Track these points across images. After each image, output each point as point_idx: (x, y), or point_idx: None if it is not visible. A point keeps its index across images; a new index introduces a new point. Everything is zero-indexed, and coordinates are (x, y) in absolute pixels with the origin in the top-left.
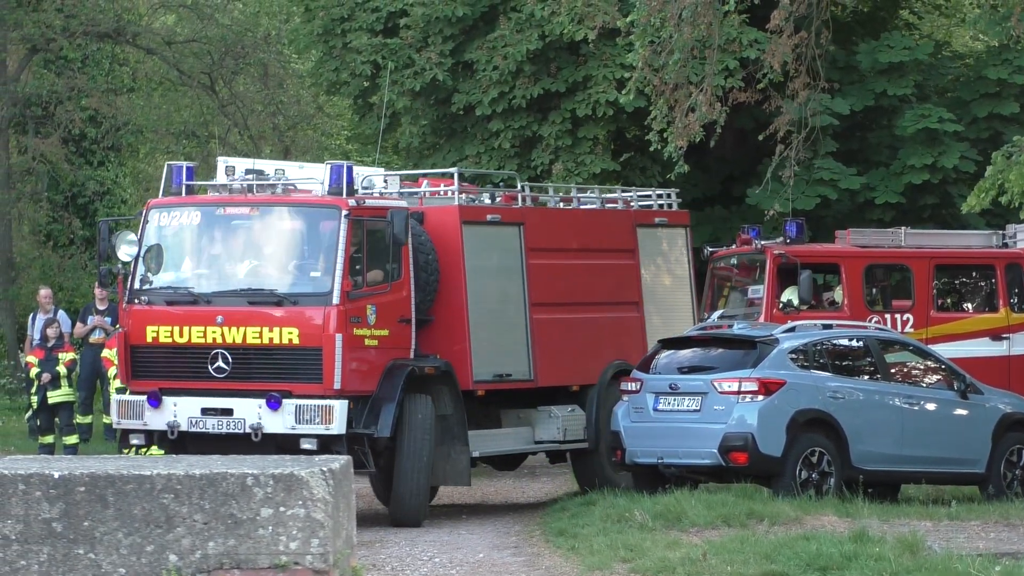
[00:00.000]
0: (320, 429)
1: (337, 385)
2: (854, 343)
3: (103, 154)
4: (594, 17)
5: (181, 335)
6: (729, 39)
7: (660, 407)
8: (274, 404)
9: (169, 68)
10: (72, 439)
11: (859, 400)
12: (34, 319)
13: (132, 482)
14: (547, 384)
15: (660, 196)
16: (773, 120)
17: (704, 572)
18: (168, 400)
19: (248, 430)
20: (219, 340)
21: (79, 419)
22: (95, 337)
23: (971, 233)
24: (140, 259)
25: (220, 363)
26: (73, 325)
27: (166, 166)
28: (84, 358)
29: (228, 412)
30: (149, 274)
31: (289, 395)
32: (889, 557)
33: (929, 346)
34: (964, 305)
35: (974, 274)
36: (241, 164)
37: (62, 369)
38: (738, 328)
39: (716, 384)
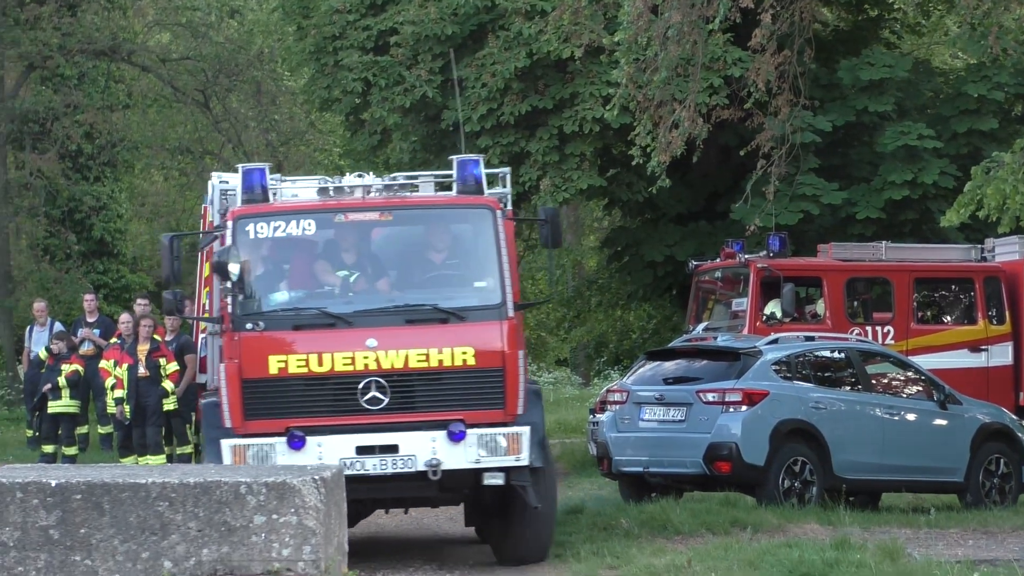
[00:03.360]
0: (509, 461)
1: (520, 410)
2: (836, 355)
3: (99, 170)
4: (580, 36)
5: (320, 363)
6: (714, 58)
7: (646, 417)
8: (459, 435)
9: (164, 85)
10: (72, 450)
11: (841, 410)
12: (31, 332)
13: (128, 490)
14: None
15: None
16: (756, 136)
17: None
18: (310, 441)
19: (423, 467)
20: (372, 366)
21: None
22: (84, 349)
23: (950, 247)
24: (237, 278)
25: (375, 393)
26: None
27: (240, 170)
28: None
29: (392, 449)
30: (255, 295)
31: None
32: (870, 564)
33: (909, 357)
34: (943, 318)
35: (953, 287)
36: (235, 179)
37: (62, 380)
38: (722, 340)
39: (701, 395)
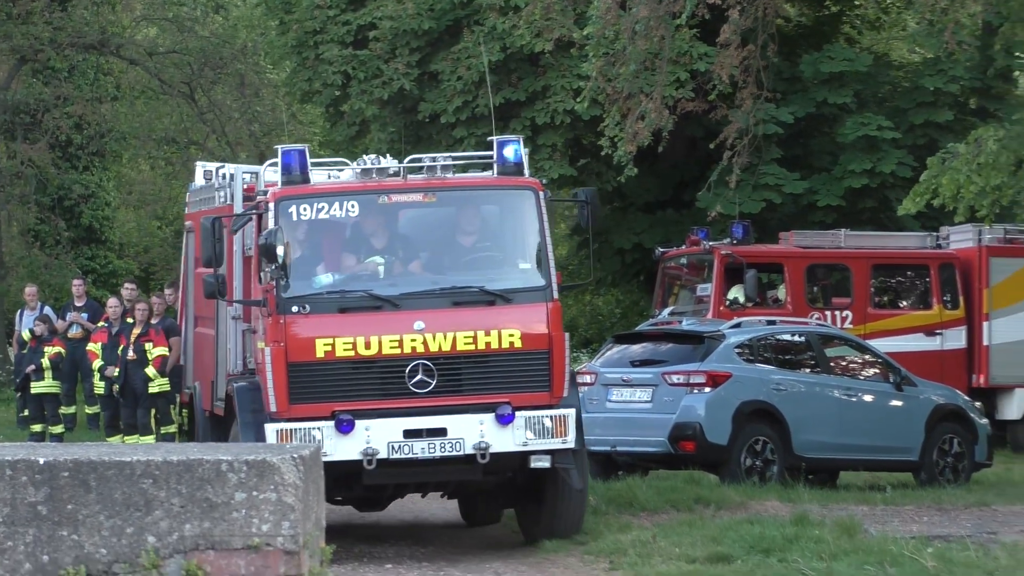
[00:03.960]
0: (556, 443)
1: (565, 392)
2: (796, 338)
3: (88, 159)
4: (552, 30)
5: (367, 347)
6: (681, 52)
7: (613, 398)
8: (507, 418)
9: (151, 78)
10: (58, 429)
11: (801, 392)
12: (21, 315)
13: (113, 468)
14: None
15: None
16: (722, 128)
17: (654, 554)
18: (358, 424)
19: (472, 451)
20: (419, 349)
21: (63, 409)
22: (72, 332)
23: (907, 235)
24: (282, 261)
25: (422, 376)
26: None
27: (279, 151)
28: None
29: (440, 432)
30: (300, 277)
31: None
32: (828, 539)
33: (867, 341)
34: (900, 303)
35: (909, 273)
36: (219, 168)
37: (45, 361)
38: (687, 324)
39: (666, 377)
